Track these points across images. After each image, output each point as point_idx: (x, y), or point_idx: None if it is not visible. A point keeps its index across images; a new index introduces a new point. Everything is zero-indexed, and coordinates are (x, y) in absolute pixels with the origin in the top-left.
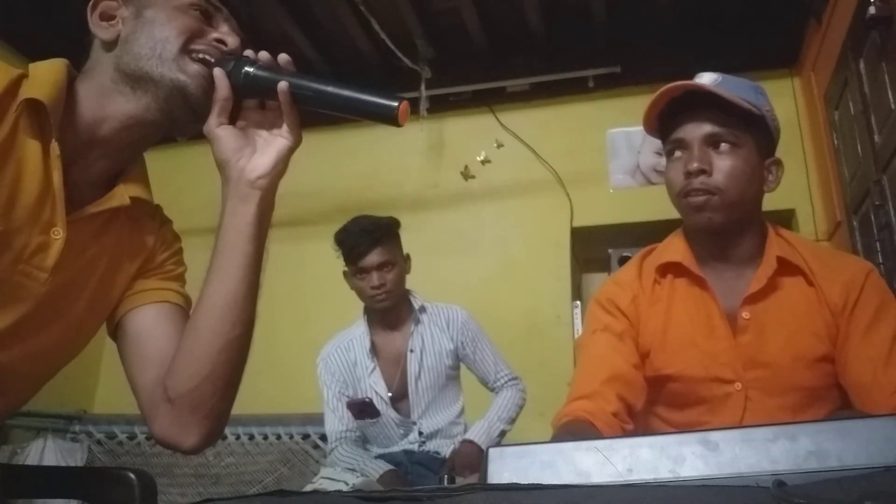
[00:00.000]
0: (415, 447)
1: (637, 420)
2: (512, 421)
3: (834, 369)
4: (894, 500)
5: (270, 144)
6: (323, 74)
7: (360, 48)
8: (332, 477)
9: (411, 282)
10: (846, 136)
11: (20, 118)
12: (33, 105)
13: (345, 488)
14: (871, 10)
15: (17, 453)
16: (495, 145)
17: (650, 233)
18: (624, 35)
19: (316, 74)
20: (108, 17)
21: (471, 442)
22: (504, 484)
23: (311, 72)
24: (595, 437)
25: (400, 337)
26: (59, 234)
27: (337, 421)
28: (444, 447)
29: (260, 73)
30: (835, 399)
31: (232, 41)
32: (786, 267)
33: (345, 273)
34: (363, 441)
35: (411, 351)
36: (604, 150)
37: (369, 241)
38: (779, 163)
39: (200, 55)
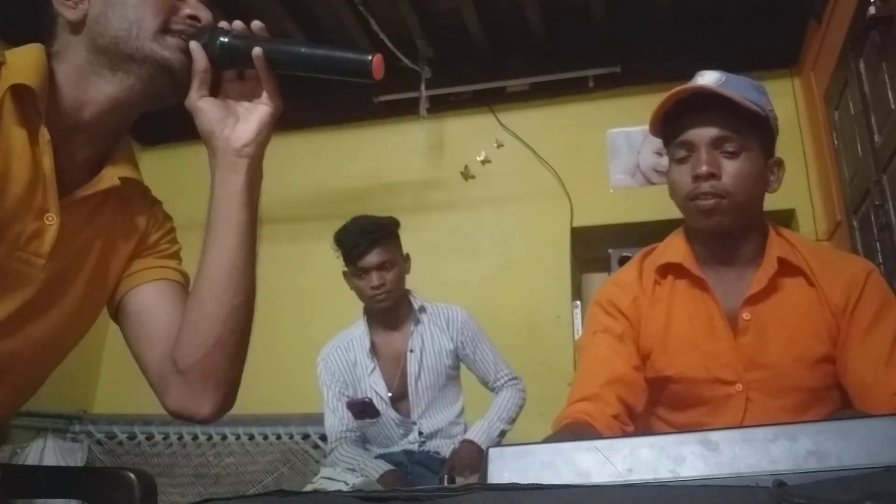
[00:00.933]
0: (415, 447)
1: (638, 421)
2: (512, 421)
3: (835, 370)
4: (894, 501)
5: (252, 112)
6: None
7: (360, 48)
8: (332, 477)
9: (411, 282)
10: (846, 136)
11: (4, 105)
12: (18, 91)
13: (345, 488)
14: (871, 10)
15: (17, 453)
16: (495, 145)
17: (650, 233)
18: (624, 35)
19: (291, 38)
20: None
21: (471, 442)
22: (504, 484)
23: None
24: (595, 437)
25: (400, 337)
26: (52, 220)
27: (337, 421)
28: (444, 447)
29: (235, 41)
30: (836, 400)
31: (204, 15)
32: (786, 267)
33: (344, 273)
34: (363, 441)
35: (411, 351)
36: (604, 150)
37: (369, 241)
38: (780, 163)
39: (177, 29)
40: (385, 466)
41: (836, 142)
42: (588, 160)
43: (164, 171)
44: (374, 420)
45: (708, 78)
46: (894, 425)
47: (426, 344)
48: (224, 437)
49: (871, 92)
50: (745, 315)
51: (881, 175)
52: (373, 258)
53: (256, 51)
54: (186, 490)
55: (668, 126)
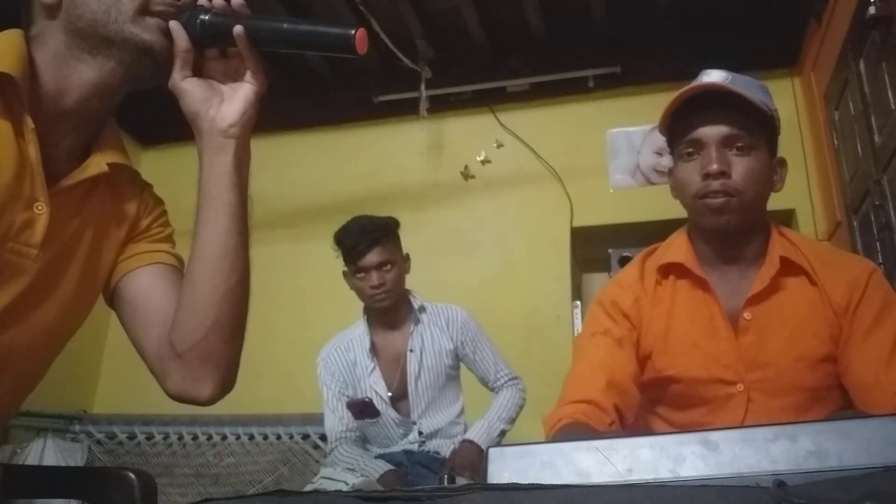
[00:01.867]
0: (415, 447)
1: (639, 420)
2: (512, 421)
3: (836, 369)
4: (894, 500)
5: (237, 91)
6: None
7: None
8: (332, 477)
9: (411, 282)
10: (846, 136)
11: None
12: (1, 79)
13: (345, 488)
14: (871, 10)
15: (17, 453)
16: (495, 145)
17: (650, 233)
18: (624, 35)
19: (275, 14)
20: None
21: (471, 442)
22: (504, 484)
23: (312, 73)
24: (596, 436)
25: (400, 337)
26: (42, 209)
27: (337, 421)
28: (444, 447)
29: (215, 19)
30: (837, 400)
31: None
32: (788, 267)
33: (344, 273)
34: (363, 441)
35: (411, 351)
36: (604, 150)
37: (368, 241)
38: (783, 162)
39: (157, 10)
40: (385, 466)
41: (836, 142)
42: (588, 160)
43: (164, 171)
44: (373, 420)
45: (714, 76)
46: (894, 425)
47: (426, 344)
48: (224, 437)
49: (871, 92)
50: (747, 315)
51: (881, 175)
52: (373, 258)
53: (237, 29)
54: (186, 490)
55: (675, 124)
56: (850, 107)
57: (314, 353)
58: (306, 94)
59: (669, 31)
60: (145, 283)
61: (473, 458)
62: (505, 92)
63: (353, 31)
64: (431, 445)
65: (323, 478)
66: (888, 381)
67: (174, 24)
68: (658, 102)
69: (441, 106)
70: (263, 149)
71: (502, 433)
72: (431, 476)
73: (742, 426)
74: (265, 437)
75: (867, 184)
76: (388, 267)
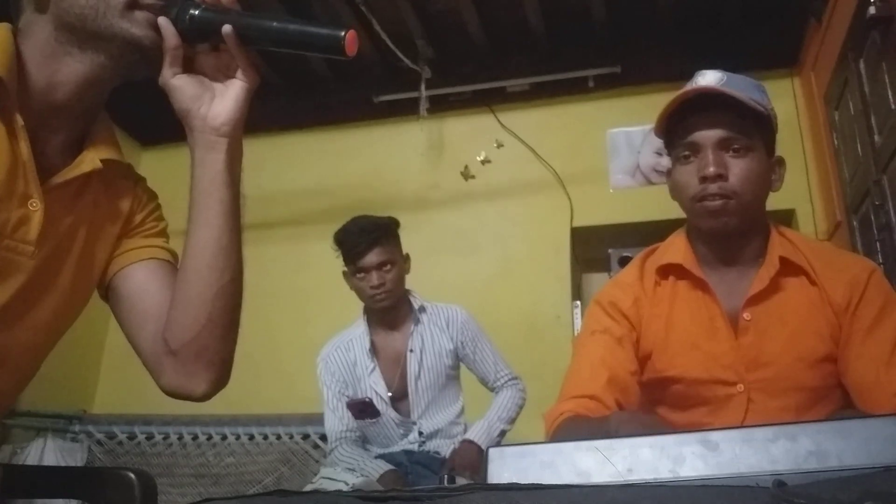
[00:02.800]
0: (415, 447)
1: None
2: (512, 421)
3: (836, 369)
4: (894, 500)
5: (229, 88)
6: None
7: (360, 48)
8: (332, 477)
9: (411, 282)
10: (846, 136)
11: None
12: None
13: (345, 488)
14: (871, 10)
15: (17, 453)
16: (495, 145)
17: (650, 233)
18: (624, 35)
19: (272, 12)
20: None
21: (471, 442)
22: (504, 484)
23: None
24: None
25: (400, 337)
26: (36, 206)
27: (337, 421)
28: (444, 447)
29: (205, 14)
30: (837, 399)
31: None
32: (788, 267)
33: (344, 273)
34: (363, 441)
35: (411, 351)
36: (604, 150)
37: (368, 241)
38: (781, 161)
39: (146, 4)
40: (385, 466)
41: (836, 142)
42: (588, 160)
43: (164, 171)
44: (374, 420)
45: (709, 77)
46: (894, 425)
47: (426, 344)
48: (224, 437)
49: (871, 92)
50: (746, 315)
51: (881, 175)
52: (372, 258)
53: (226, 29)
54: (186, 490)
55: (672, 126)
56: (850, 107)
57: (314, 353)
58: (306, 94)
59: (669, 31)
60: (140, 279)
61: (473, 458)
62: (505, 92)
63: (342, 33)
64: (431, 445)
65: (323, 478)
66: (888, 381)
67: (163, 21)
68: (658, 102)
69: (441, 106)
70: (263, 149)
71: (502, 433)
72: (431, 476)
73: (742, 426)
74: (265, 437)
75: (867, 184)
76: (388, 267)
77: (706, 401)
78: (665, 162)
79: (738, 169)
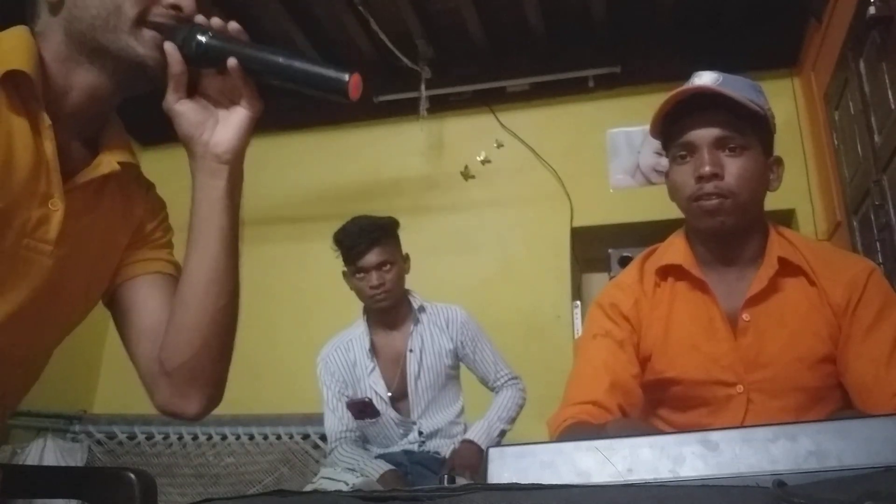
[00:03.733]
0: (415, 447)
1: None
2: (512, 421)
3: (836, 370)
4: (894, 501)
5: (232, 115)
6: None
7: (360, 48)
8: (332, 477)
9: (411, 282)
10: (846, 136)
11: (1, 91)
12: (13, 76)
13: (345, 488)
14: (871, 10)
15: (17, 453)
16: (495, 145)
17: (650, 233)
18: (624, 35)
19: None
20: None
21: (471, 442)
22: (504, 484)
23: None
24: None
25: (399, 337)
26: (57, 206)
27: (337, 421)
28: (444, 447)
29: (212, 42)
30: (837, 400)
31: (186, 4)
32: (787, 267)
33: (344, 273)
34: (363, 441)
35: (411, 351)
36: (604, 150)
37: (368, 241)
38: (780, 161)
39: (155, 22)
40: (385, 466)
41: (836, 142)
42: (588, 160)
43: (164, 171)
44: (373, 420)
45: (705, 78)
46: (894, 425)
47: (426, 344)
48: (224, 437)
49: (871, 92)
50: (746, 316)
51: (881, 175)
52: (372, 258)
53: (231, 62)
54: (186, 490)
55: (668, 127)
56: (850, 107)
57: (314, 353)
58: (306, 94)
59: (669, 31)
60: (141, 293)
61: (473, 458)
62: (505, 92)
63: (346, 76)
64: (431, 445)
65: (323, 478)
66: (888, 381)
67: (169, 47)
68: (658, 102)
69: (441, 106)
70: (263, 149)
71: (502, 433)
72: (431, 476)
73: (742, 426)
74: (265, 437)
75: (867, 184)
76: (388, 267)
77: (706, 402)
78: (665, 162)
79: (733, 168)
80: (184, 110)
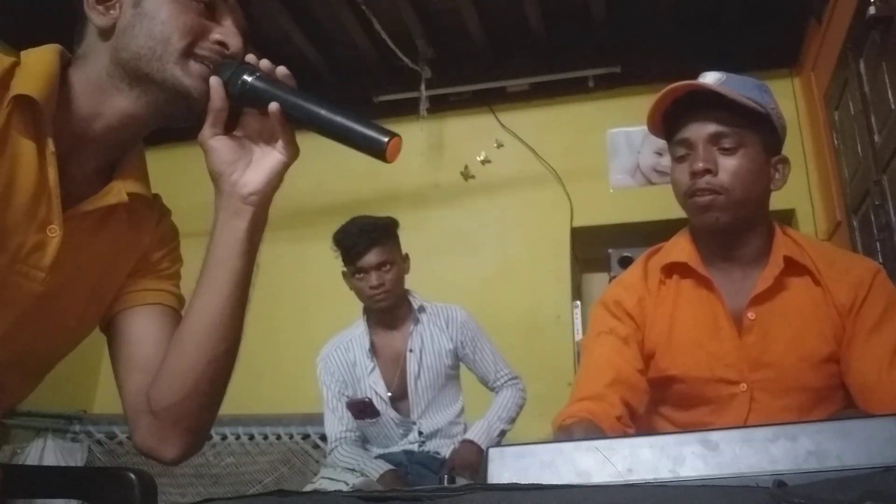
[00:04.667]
0: (414, 447)
1: (642, 420)
2: (512, 421)
3: (839, 370)
4: (894, 500)
5: (265, 158)
6: (325, 85)
7: (360, 48)
8: (332, 477)
9: (411, 282)
10: (846, 136)
11: (12, 113)
12: (25, 100)
13: (345, 488)
14: (871, 10)
15: (17, 453)
16: (495, 145)
17: (650, 233)
18: (624, 35)
19: (317, 93)
20: (104, 1)
21: (471, 442)
22: (504, 484)
23: (312, 73)
24: (598, 436)
25: (399, 337)
26: (55, 232)
27: (337, 421)
28: (444, 447)
29: (257, 84)
30: (840, 400)
31: (234, 42)
32: (793, 267)
33: (344, 273)
34: (363, 441)
35: (411, 351)
36: (604, 150)
37: (367, 241)
38: (785, 161)
39: (202, 55)
40: (385, 466)
41: (836, 142)
42: (588, 160)
43: (164, 171)
44: (373, 420)
45: (709, 78)
46: (894, 425)
47: (426, 344)
48: (224, 437)
49: (871, 92)
50: (750, 315)
51: (881, 175)
52: (371, 258)
53: (273, 107)
54: (186, 490)
55: (670, 125)
56: (850, 107)
57: (314, 353)
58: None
59: (669, 31)
60: (139, 324)
61: (473, 458)
62: (505, 92)
63: (386, 139)
64: (431, 445)
65: (323, 478)
66: (890, 382)
67: (214, 82)
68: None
69: (441, 106)
70: None
71: (502, 433)
72: (431, 476)
73: (742, 426)
74: (265, 437)
75: (867, 184)
76: (388, 267)
77: (709, 400)
78: (665, 162)
79: (727, 165)
80: (218, 146)
